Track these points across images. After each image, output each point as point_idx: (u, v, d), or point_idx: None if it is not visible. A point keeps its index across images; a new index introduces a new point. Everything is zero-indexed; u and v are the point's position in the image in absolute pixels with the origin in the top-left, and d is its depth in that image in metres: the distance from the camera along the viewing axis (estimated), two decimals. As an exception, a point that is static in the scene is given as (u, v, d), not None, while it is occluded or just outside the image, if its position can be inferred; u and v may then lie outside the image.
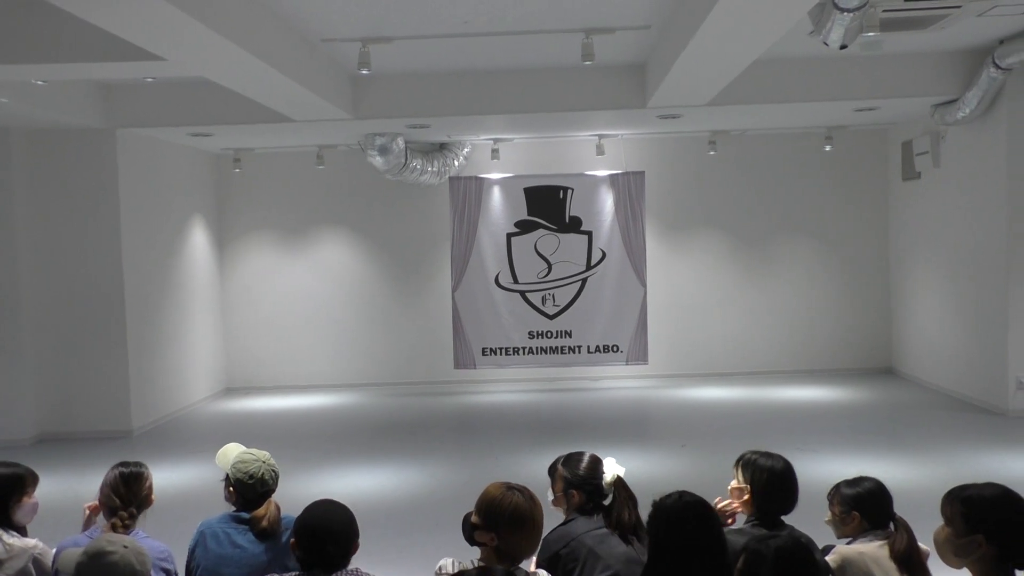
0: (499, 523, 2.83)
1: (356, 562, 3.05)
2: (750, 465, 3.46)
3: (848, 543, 3.43)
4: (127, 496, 3.59)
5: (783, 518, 3.43)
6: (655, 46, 8.39)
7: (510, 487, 2.91)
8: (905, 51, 9.24)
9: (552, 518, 3.51)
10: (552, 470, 3.62)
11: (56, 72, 7.64)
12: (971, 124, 9.98)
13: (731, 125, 11.58)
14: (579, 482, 3.49)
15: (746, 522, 3.42)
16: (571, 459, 3.59)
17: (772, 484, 3.39)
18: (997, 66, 8.77)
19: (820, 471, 7.28)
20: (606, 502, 3.48)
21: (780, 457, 3.49)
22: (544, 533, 3.40)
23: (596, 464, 3.53)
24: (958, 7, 7.32)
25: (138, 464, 3.73)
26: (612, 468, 3.49)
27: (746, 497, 3.43)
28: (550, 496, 3.62)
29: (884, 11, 6.98)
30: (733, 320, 12.70)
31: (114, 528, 3.50)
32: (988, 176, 9.81)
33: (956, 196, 10.56)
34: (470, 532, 2.91)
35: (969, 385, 10.38)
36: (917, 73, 9.49)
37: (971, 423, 9.41)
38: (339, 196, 12.83)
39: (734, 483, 3.51)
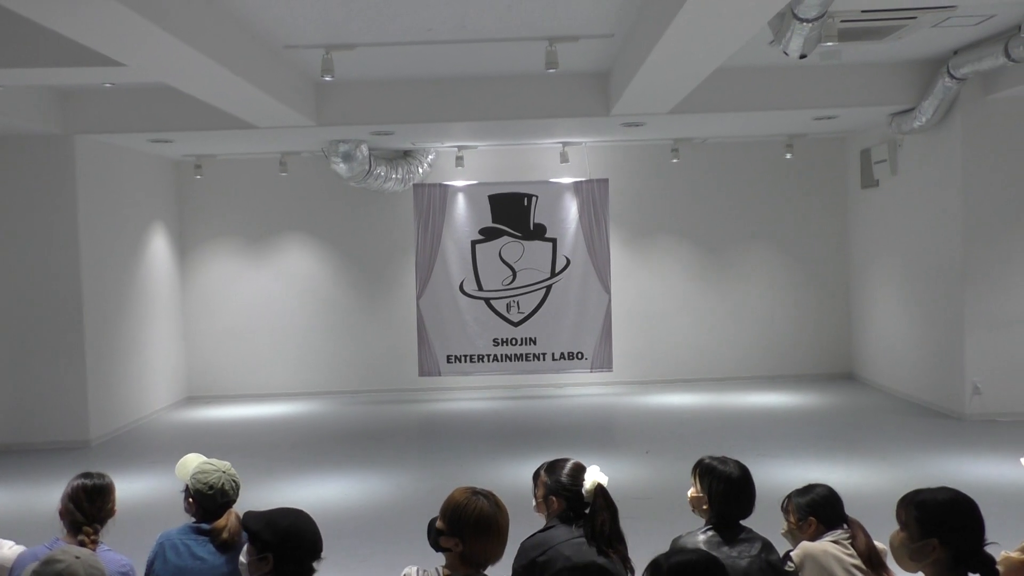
0: (464, 528, 2.80)
1: (319, 571, 3.02)
2: (707, 472, 3.47)
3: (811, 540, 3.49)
4: (91, 511, 3.50)
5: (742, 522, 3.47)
6: (618, 55, 8.45)
7: (475, 492, 2.89)
8: (863, 61, 9.40)
9: (531, 524, 3.51)
10: (535, 476, 3.60)
11: (11, 77, 7.51)
12: (927, 132, 10.17)
13: (693, 133, 11.69)
14: (559, 489, 3.46)
15: (704, 528, 3.44)
16: (554, 465, 3.55)
17: (729, 491, 3.41)
18: (951, 76, 8.94)
19: (781, 476, 7.36)
20: (586, 511, 3.46)
21: (736, 462, 3.51)
22: (522, 539, 3.40)
23: (578, 472, 3.50)
24: (913, 18, 7.46)
25: (101, 476, 3.63)
26: (593, 476, 3.46)
27: (705, 507, 3.46)
28: (533, 502, 3.61)
29: (842, 21, 7.09)
30: (696, 327, 12.80)
31: (82, 545, 3.41)
32: (944, 183, 9.99)
33: (913, 203, 10.74)
34: (435, 538, 2.89)
35: (927, 390, 10.55)
36: (874, 82, 9.65)
37: (929, 427, 9.56)
38: (302, 203, 12.75)
39: (692, 491, 3.53)
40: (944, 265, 10.06)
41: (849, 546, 3.43)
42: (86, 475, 3.62)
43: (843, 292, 12.86)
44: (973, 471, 7.70)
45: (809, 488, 3.63)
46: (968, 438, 8.97)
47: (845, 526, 3.51)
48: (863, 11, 7.02)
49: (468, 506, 2.82)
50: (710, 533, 3.37)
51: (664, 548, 3.44)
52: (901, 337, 11.19)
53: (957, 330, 9.81)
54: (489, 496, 2.89)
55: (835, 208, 12.83)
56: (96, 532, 3.50)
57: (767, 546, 3.35)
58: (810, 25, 6.08)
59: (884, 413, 10.44)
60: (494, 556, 2.88)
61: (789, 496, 3.63)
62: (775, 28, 6.70)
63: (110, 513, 3.61)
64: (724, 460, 3.51)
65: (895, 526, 2.83)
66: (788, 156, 12.05)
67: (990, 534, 2.72)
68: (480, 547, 2.82)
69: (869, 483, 7.38)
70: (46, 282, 9.88)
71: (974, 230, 9.63)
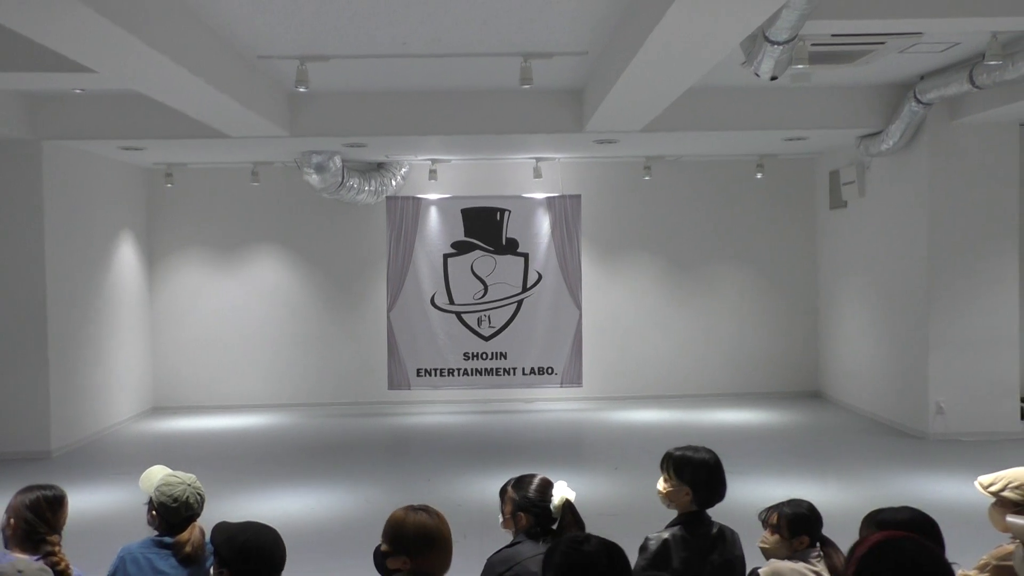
0: (407, 545, 2.82)
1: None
2: (685, 463, 3.50)
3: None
4: (54, 522, 3.48)
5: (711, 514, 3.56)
6: (592, 72, 8.51)
7: (413, 508, 2.91)
8: (832, 84, 9.54)
9: (498, 540, 3.50)
10: (503, 492, 3.59)
11: (-20, 81, 7.43)
12: (894, 155, 10.33)
13: (666, 151, 11.79)
14: (527, 504, 3.46)
15: (677, 521, 3.46)
16: (521, 481, 3.55)
17: (711, 476, 3.49)
18: (918, 100, 9.11)
19: (749, 494, 7.40)
20: (554, 526, 3.46)
21: (705, 448, 3.59)
22: (488, 554, 3.40)
23: (546, 487, 3.50)
24: (882, 43, 7.60)
25: (53, 487, 3.60)
26: (561, 492, 3.47)
27: (687, 496, 3.48)
28: (500, 518, 3.60)
29: (813, 45, 7.20)
30: (666, 344, 12.87)
31: (54, 563, 3.36)
32: (910, 206, 10.15)
33: (880, 225, 10.89)
34: (381, 561, 2.88)
35: (891, 409, 10.67)
36: (844, 105, 9.81)
37: (893, 446, 9.66)
38: (274, 214, 12.68)
39: (664, 486, 3.55)
40: (909, 286, 10.20)
41: (818, 563, 3.43)
42: (40, 487, 3.57)
43: (811, 311, 12.99)
44: (935, 490, 7.79)
45: (797, 503, 3.55)
46: (930, 457, 9.08)
47: (819, 546, 3.47)
48: (833, 35, 7.15)
49: (406, 522, 2.84)
50: (678, 528, 3.42)
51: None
52: (867, 356, 11.32)
53: (921, 350, 9.94)
54: (427, 509, 2.91)
55: (804, 228, 12.97)
56: (58, 543, 3.46)
57: (734, 542, 3.49)
58: (781, 48, 6.17)
59: (849, 432, 10.54)
60: (442, 567, 2.88)
61: (777, 510, 3.54)
62: (747, 50, 6.78)
63: (64, 523, 3.57)
64: (695, 448, 3.57)
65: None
66: (759, 176, 12.19)
67: (950, 553, 2.75)
68: (427, 560, 2.83)
69: (833, 501, 7.43)
70: (10, 289, 9.72)
71: (939, 252, 9.78)
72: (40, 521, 3.44)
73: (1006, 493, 3.48)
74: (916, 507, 3.15)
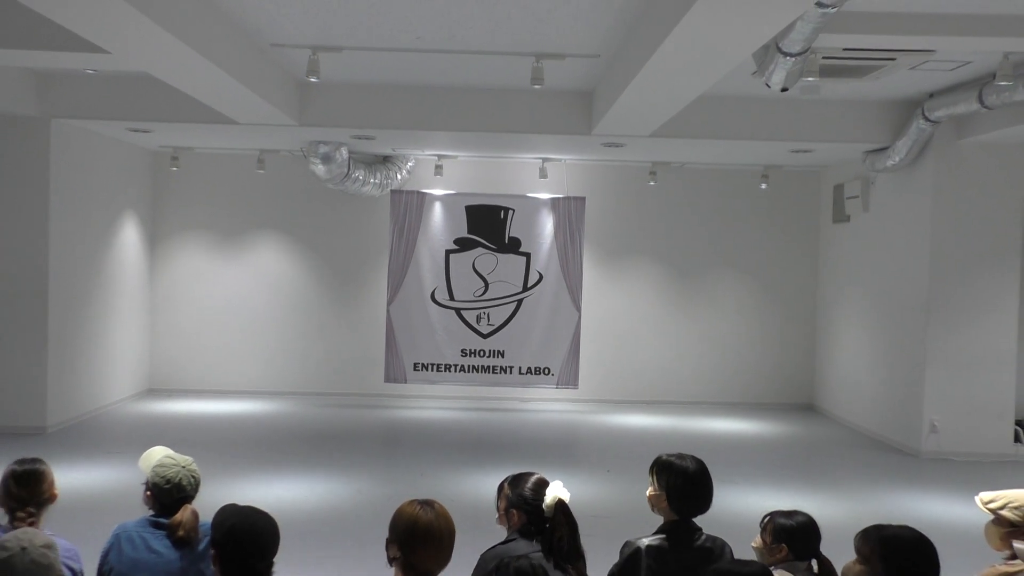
0: (402, 536, 2.85)
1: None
2: (665, 469, 3.51)
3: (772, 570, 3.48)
4: (22, 495, 3.48)
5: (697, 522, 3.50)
6: (603, 75, 8.52)
7: (421, 502, 2.93)
8: (841, 98, 9.56)
9: (494, 535, 3.52)
10: (499, 488, 3.62)
11: (-8, 56, 7.44)
12: (899, 172, 10.35)
13: (672, 157, 11.80)
14: (520, 502, 3.47)
15: (661, 529, 3.47)
16: (518, 479, 3.56)
17: (686, 486, 3.45)
18: (926, 118, 9.13)
19: (739, 504, 7.42)
20: (547, 525, 3.48)
21: (693, 457, 3.55)
22: (483, 550, 3.41)
23: (540, 486, 3.50)
24: (892, 60, 7.62)
25: (34, 461, 3.60)
26: (554, 492, 3.48)
27: (664, 504, 3.49)
28: (496, 514, 3.62)
29: (824, 58, 7.22)
30: (663, 350, 12.88)
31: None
32: (913, 223, 10.17)
33: (882, 240, 10.91)
34: (387, 546, 2.92)
35: (885, 425, 10.69)
36: (851, 119, 9.82)
37: (884, 463, 9.68)
38: (278, 202, 12.69)
39: (650, 490, 3.56)
40: (909, 303, 10.22)
41: None
42: (19, 461, 3.60)
43: (809, 324, 13.01)
44: (926, 509, 7.81)
45: (792, 513, 3.54)
46: (922, 476, 9.10)
47: (814, 562, 3.44)
48: (845, 49, 7.16)
49: (403, 514, 2.88)
50: (660, 537, 3.42)
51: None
52: (863, 371, 11.34)
53: (918, 368, 9.95)
54: (432, 505, 2.92)
55: (806, 241, 12.99)
56: (31, 515, 3.46)
57: (722, 555, 3.42)
58: (793, 59, 6.19)
59: (841, 446, 10.56)
60: (437, 565, 2.90)
61: (771, 515, 3.55)
62: (759, 60, 6.80)
63: (49, 499, 3.58)
64: (681, 456, 3.56)
65: (844, 558, 2.87)
66: (763, 187, 12.20)
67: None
68: (419, 556, 2.84)
69: (822, 515, 7.40)
70: (12, 265, 9.74)
71: (940, 270, 9.80)
72: (7, 495, 3.48)
73: (1005, 512, 3.49)
74: (913, 527, 3.15)
